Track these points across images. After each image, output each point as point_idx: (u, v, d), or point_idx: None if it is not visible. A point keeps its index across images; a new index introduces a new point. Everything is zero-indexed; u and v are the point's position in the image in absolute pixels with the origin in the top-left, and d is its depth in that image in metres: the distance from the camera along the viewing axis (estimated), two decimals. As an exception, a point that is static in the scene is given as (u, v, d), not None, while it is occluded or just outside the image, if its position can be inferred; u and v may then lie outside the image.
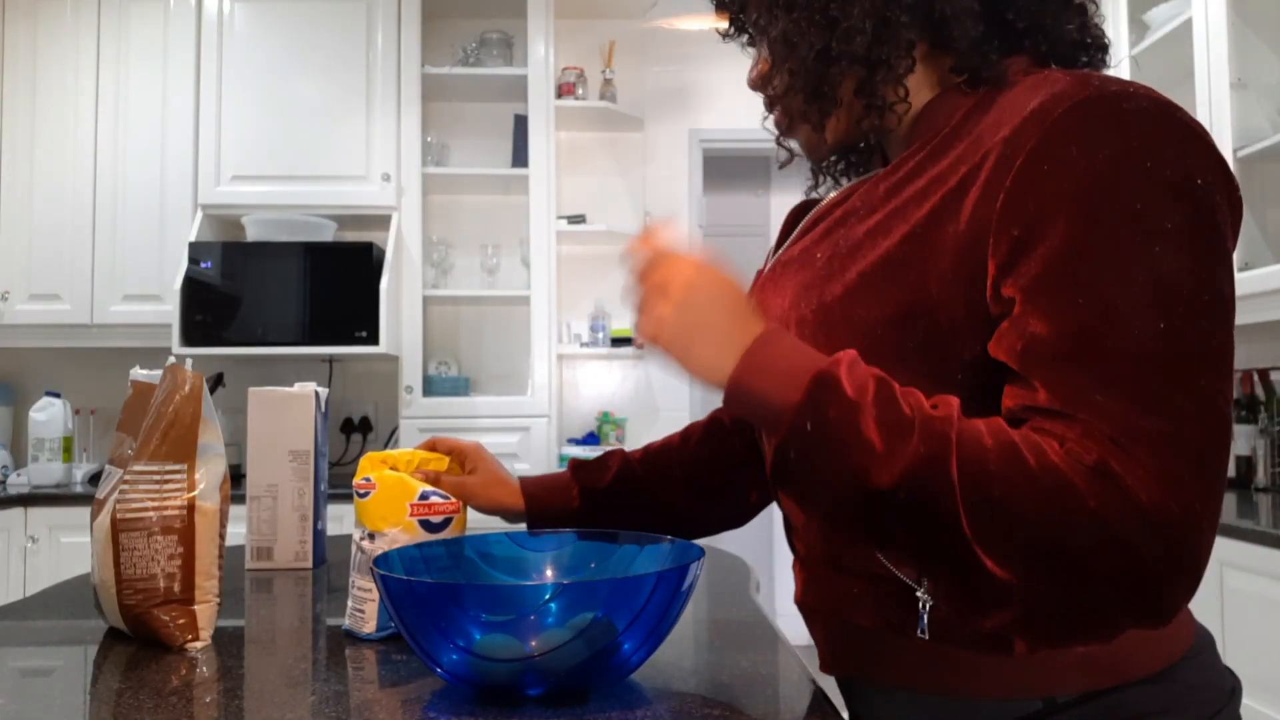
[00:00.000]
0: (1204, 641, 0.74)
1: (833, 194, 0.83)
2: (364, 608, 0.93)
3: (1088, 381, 0.59)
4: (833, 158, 0.89)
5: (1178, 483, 0.57)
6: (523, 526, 1.04)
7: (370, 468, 0.96)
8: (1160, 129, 0.62)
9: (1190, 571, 0.58)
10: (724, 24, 0.89)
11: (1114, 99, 0.63)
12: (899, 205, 0.71)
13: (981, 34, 0.73)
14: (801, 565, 0.84)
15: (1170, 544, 0.57)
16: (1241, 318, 2.36)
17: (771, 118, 0.83)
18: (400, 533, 0.92)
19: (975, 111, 0.71)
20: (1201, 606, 2.01)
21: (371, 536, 0.93)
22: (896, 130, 0.77)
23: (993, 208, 0.64)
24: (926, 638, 0.69)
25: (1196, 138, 0.63)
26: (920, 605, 0.69)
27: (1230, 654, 1.95)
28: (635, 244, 0.73)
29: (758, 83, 0.82)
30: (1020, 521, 0.58)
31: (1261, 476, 2.55)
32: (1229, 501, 2.36)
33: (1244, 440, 2.60)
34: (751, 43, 0.87)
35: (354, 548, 0.95)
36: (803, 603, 0.84)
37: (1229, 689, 0.74)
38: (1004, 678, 0.69)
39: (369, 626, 0.92)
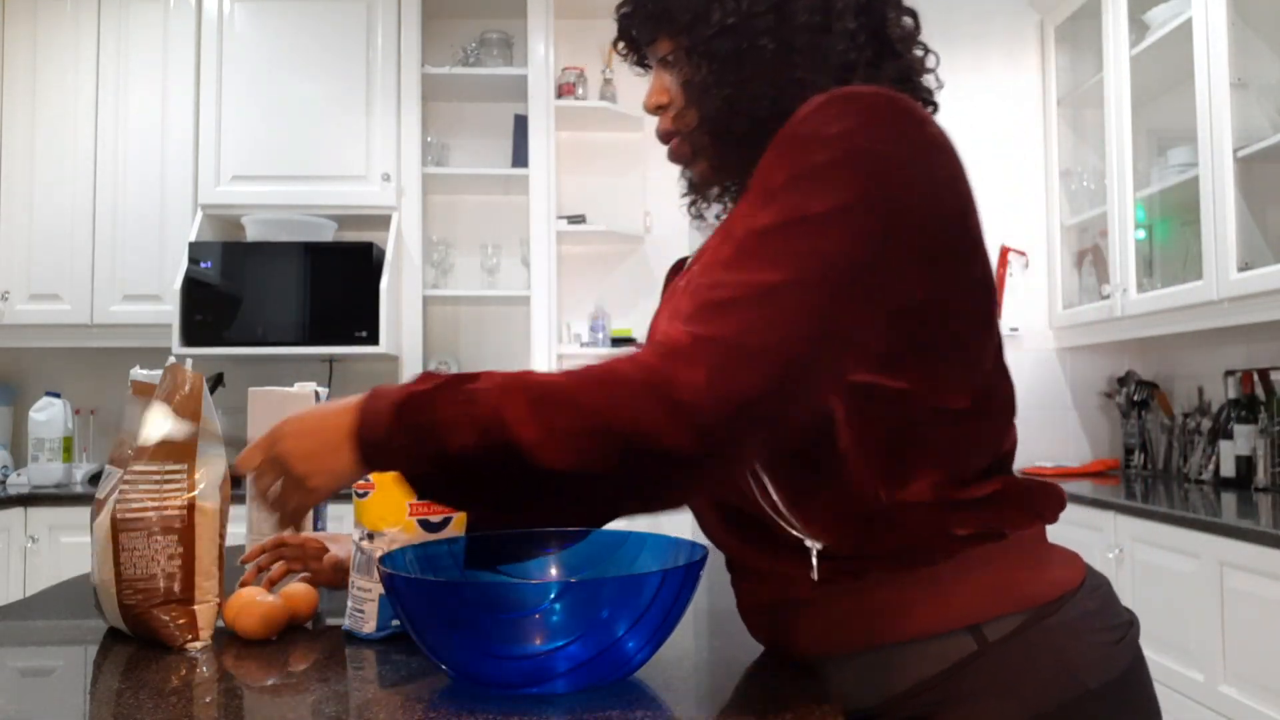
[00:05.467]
0: (1099, 580, 0.82)
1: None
2: (364, 608, 0.93)
3: None
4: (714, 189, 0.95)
5: None
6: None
7: (370, 467, 0.95)
8: None
9: None
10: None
11: None
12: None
13: None
14: (740, 574, 0.87)
15: None
16: (1241, 318, 2.35)
17: (669, 146, 0.90)
18: (400, 532, 0.92)
19: None
20: (1202, 606, 2.01)
21: (371, 536, 0.93)
22: None
23: None
24: (817, 578, 0.76)
25: None
26: (808, 548, 0.76)
27: (1230, 654, 1.95)
28: (239, 466, 0.80)
29: (654, 109, 0.90)
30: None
31: (1261, 476, 2.55)
32: (1229, 501, 2.36)
33: (1244, 440, 2.60)
34: (646, 66, 0.92)
35: (354, 548, 0.95)
36: (751, 606, 0.87)
37: (1128, 619, 0.81)
38: (928, 614, 0.75)
39: (369, 626, 0.92)
